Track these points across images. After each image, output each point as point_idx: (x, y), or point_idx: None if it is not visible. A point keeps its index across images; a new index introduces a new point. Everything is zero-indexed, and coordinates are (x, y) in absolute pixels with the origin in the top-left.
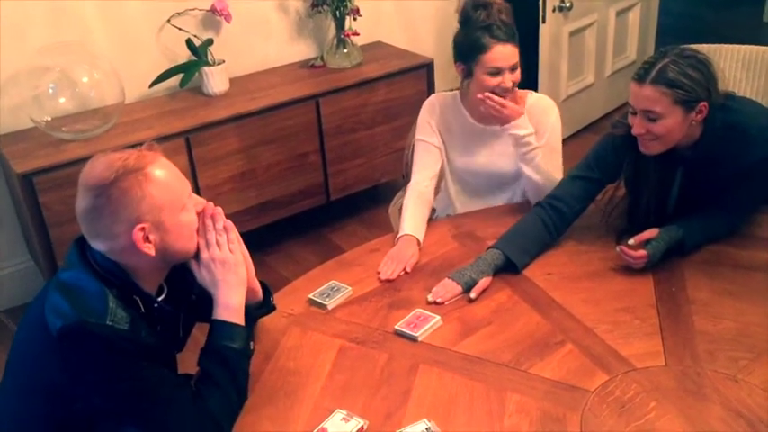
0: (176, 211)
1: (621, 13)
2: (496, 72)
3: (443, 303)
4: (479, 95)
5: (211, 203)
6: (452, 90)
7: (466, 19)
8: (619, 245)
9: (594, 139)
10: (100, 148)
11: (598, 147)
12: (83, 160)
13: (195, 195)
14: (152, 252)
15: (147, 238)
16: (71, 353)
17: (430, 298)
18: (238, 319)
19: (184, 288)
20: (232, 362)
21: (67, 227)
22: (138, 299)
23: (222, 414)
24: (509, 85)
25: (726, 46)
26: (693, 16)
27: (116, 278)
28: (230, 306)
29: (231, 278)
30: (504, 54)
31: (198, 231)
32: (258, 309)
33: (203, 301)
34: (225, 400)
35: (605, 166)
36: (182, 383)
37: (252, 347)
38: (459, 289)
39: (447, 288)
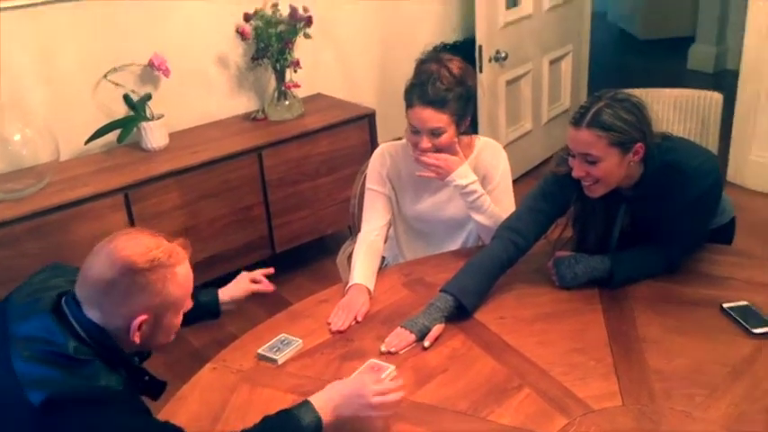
0: (177, 312)
1: (554, 62)
2: (415, 131)
3: (397, 353)
4: (413, 155)
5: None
6: (398, 139)
7: (416, 68)
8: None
9: (535, 185)
10: (32, 208)
11: (544, 183)
12: (14, 221)
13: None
14: (138, 340)
15: (140, 328)
16: (62, 421)
17: (383, 348)
18: (325, 418)
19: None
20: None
21: (1, 289)
22: (122, 369)
23: None
24: (425, 146)
25: (657, 89)
26: (622, 65)
27: (103, 347)
28: (335, 414)
29: (363, 412)
30: (419, 117)
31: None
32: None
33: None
34: None
35: (554, 201)
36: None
37: None
38: (412, 337)
39: (400, 337)
